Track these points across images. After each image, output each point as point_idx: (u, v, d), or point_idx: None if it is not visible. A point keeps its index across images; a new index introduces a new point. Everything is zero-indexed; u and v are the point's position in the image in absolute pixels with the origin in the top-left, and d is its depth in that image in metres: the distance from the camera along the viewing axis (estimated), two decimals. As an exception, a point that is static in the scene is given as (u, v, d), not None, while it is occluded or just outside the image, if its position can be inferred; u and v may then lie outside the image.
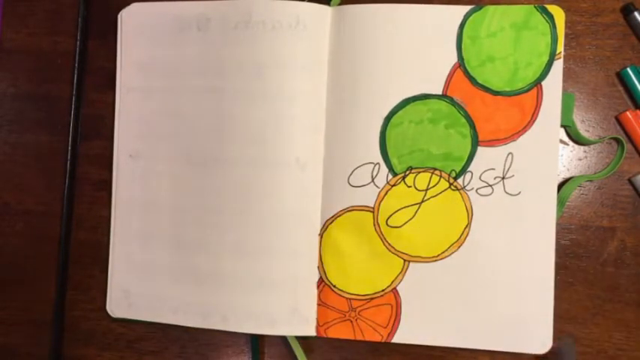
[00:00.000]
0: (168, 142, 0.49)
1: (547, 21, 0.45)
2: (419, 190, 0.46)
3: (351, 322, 0.47)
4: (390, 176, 0.46)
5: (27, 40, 0.53)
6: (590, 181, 0.47)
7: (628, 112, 0.46)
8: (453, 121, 0.46)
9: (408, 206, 0.46)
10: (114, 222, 0.50)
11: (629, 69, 0.46)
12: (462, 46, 0.46)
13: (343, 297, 0.47)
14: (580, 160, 0.47)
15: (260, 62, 0.47)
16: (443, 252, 0.46)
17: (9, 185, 0.52)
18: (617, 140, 0.46)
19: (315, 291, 0.47)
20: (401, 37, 0.46)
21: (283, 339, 0.48)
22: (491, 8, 0.46)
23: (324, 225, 0.47)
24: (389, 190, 0.46)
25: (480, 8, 0.46)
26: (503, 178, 0.46)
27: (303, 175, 0.47)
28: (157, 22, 0.50)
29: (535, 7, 0.46)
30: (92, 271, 0.51)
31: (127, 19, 0.50)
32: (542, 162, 0.45)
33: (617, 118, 0.46)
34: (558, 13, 0.45)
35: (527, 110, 0.45)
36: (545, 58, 0.45)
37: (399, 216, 0.46)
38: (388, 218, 0.46)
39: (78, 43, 0.51)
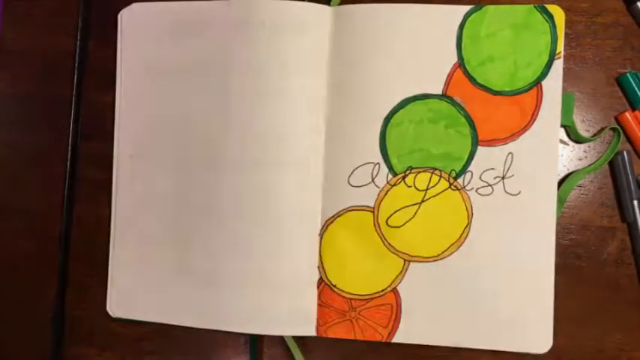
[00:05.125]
0: (168, 142, 0.49)
1: (547, 20, 0.45)
2: (419, 190, 0.46)
3: (351, 321, 0.47)
4: (390, 176, 0.46)
5: (27, 40, 0.53)
6: (590, 180, 0.47)
7: (627, 113, 0.46)
8: (453, 120, 0.46)
9: (408, 206, 0.46)
10: (114, 222, 0.50)
11: (628, 75, 0.46)
12: (462, 46, 0.46)
13: (343, 297, 0.47)
14: (580, 159, 0.47)
15: (260, 62, 0.47)
16: (443, 252, 0.46)
17: (9, 185, 0.52)
18: (615, 130, 0.46)
19: (315, 291, 0.47)
20: (401, 36, 0.46)
21: (282, 339, 0.48)
22: (491, 8, 0.46)
23: (324, 225, 0.47)
24: (389, 190, 0.46)
25: (480, 8, 0.46)
26: (503, 177, 0.46)
27: (303, 175, 0.47)
28: (157, 22, 0.50)
29: (535, 6, 0.46)
30: (92, 271, 0.51)
31: (127, 19, 0.50)
32: (542, 162, 0.45)
33: (616, 119, 0.46)
34: (558, 13, 0.45)
35: (527, 110, 0.45)
36: (545, 58, 0.45)
37: (399, 216, 0.46)
38: (388, 218, 0.46)
39: (78, 43, 0.51)
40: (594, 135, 0.47)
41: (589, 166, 0.46)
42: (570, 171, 0.47)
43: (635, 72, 0.46)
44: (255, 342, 0.49)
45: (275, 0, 0.47)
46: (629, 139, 0.46)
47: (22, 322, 0.52)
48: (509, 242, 0.45)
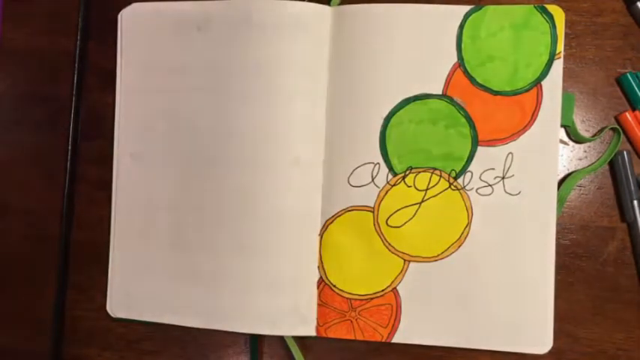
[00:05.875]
0: (168, 142, 0.49)
1: (547, 21, 0.45)
2: (419, 190, 0.46)
3: (351, 322, 0.47)
4: (390, 176, 0.46)
5: (27, 40, 0.53)
6: (590, 180, 0.47)
7: (627, 113, 0.46)
8: (453, 121, 0.46)
9: (408, 206, 0.46)
10: (114, 222, 0.50)
11: (628, 75, 0.46)
12: (462, 46, 0.46)
13: (343, 297, 0.47)
14: (580, 159, 0.47)
15: (260, 62, 0.47)
16: (443, 252, 0.46)
17: (9, 185, 0.52)
18: (615, 130, 0.46)
19: (315, 291, 0.47)
20: (401, 37, 0.46)
21: (282, 339, 0.48)
22: (491, 8, 0.46)
23: (324, 225, 0.47)
24: (389, 189, 0.46)
25: (480, 8, 0.46)
26: (503, 177, 0.46)
27: (303, 175, 0.47)
28: (157, 22, 0.50)
29: (535, 7, 0.46)
30: (92, 271, 0.51)
31: (127, 19, 0.50)
32: (542, 162, 0.45)
33: (616, 119, 0.46)
34: (558, 13, 0.45)
35: (527, 110, 0.45)
36: (545, 58, 0.45)
37: (399, 216, 0.46)
38: (388, 218, 0.46)
39: (78, 43, 0.51)
40: (594, 135, 0.47)
41: (589, 166, 0.46)
42: (570, 171, 0.47)
43: (635, 72, 0.46)
44: (255, 342, 0.49)
45: (275, 0, 0.47)
46: (629, 139, 0.46)
47: (22, 322, 0.52)
48: (509, 242, 0.45)
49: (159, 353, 0.50)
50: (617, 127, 0.46)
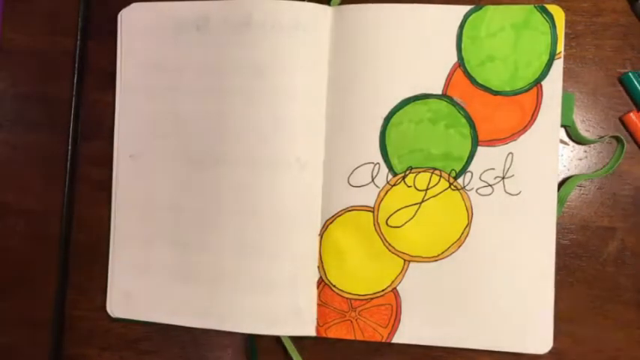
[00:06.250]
0: (168, 142, 0.49)
1: (547, 21, 0.45)
2: (419, 190, 0.46)
3: (351, 322, 0.47)
4: (390, 176, 0.46)
5: (27, 40, 0.53)
6: (590, 179, 0.47)
7: (632, 114, 0.46)
8: (453, 120, 0.46)
9: (408, 206, 0.46)
10: (114, 222, 0.50)
11: (630, 74, 0.46)
12: (462, 46, 0.46)
13: (343, 297, 0.47)
14: (580, 160, 0.47)
15: (260, 62, 0.47)
16: (443, 252, 0.46)
17: (9, 185, 0.52)
18: (618, 139, 0.46)
19: (315, 291, 0.47)
20: (401, 36, 0.46)
21: (281, 339, 0.48)
22: (491, 8, 0.46)
23: (324, 225, 0.47)
24: (389, 190, 0.46)
25: (480, 8, 0.46)
26: (503, 177, 0.46)
27: (303, 175, 0.47)
28: (157, 22, 0.50)
29: (535, 7, 0.46)
30: (92, 271, 0.51)
31: (127, 19, 0.50)
32: (543, 162, 0.45)
33: (620, 120, 0.46)
34: (558, 13, 0.45)
35: (527, 110, 0.45)
36: (545, 58, 0.45)
37: (399, 216, 0.46)
38: (388, 218, 0.46)
39: (78, 43, 0.51)
40: (596, 140, 0.46)
41: (594, 172, 0.46)
42: (570, 171, 0.47)
43: (636, 71, 0.46)
44: (255, 342, 0.49)
45: (275, 0, 0.47)
46: (634, 139, 0.46)
47: (22, 322, 0.52)
48: (509, 242, 0.45)
49: (158, 353, 0.50)
50: (621, 136, 0.46)
